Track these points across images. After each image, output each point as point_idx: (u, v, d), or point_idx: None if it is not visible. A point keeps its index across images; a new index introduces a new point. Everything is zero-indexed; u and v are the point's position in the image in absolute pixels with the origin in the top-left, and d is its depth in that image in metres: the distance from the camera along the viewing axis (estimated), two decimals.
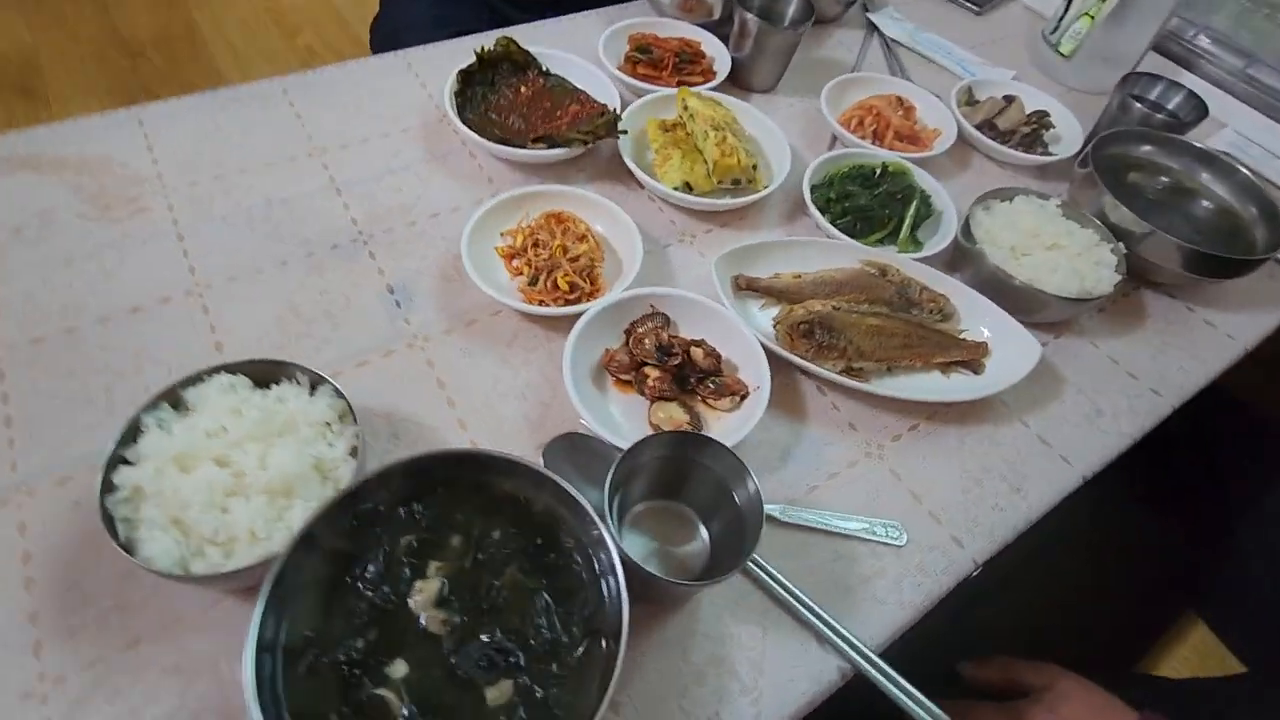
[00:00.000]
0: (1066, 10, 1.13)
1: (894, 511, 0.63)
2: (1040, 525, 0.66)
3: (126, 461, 0.50)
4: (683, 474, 0.56)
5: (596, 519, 0.47)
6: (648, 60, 0.99)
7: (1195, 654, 0.97)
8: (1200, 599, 0.98)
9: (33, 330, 0.64)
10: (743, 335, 0.68)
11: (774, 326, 0.71)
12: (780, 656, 0.54)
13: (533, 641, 0.46)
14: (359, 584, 0.46)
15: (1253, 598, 0.93)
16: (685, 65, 1.00)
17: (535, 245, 0.74)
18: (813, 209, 0.83)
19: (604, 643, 0.45)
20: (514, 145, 0.83)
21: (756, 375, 0.66)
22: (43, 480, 0.55)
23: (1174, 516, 1.03)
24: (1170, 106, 0.98)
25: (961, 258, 0.82)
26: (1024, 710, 0.67)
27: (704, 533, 0.58)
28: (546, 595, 0.47)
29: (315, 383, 0.56)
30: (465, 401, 0.65)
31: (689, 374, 0.66)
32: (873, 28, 1.22)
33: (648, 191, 0.86)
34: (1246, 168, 0.91)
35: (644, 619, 0.54)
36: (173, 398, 0.53)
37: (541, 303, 0.70)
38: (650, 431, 0.63)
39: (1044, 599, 0.92)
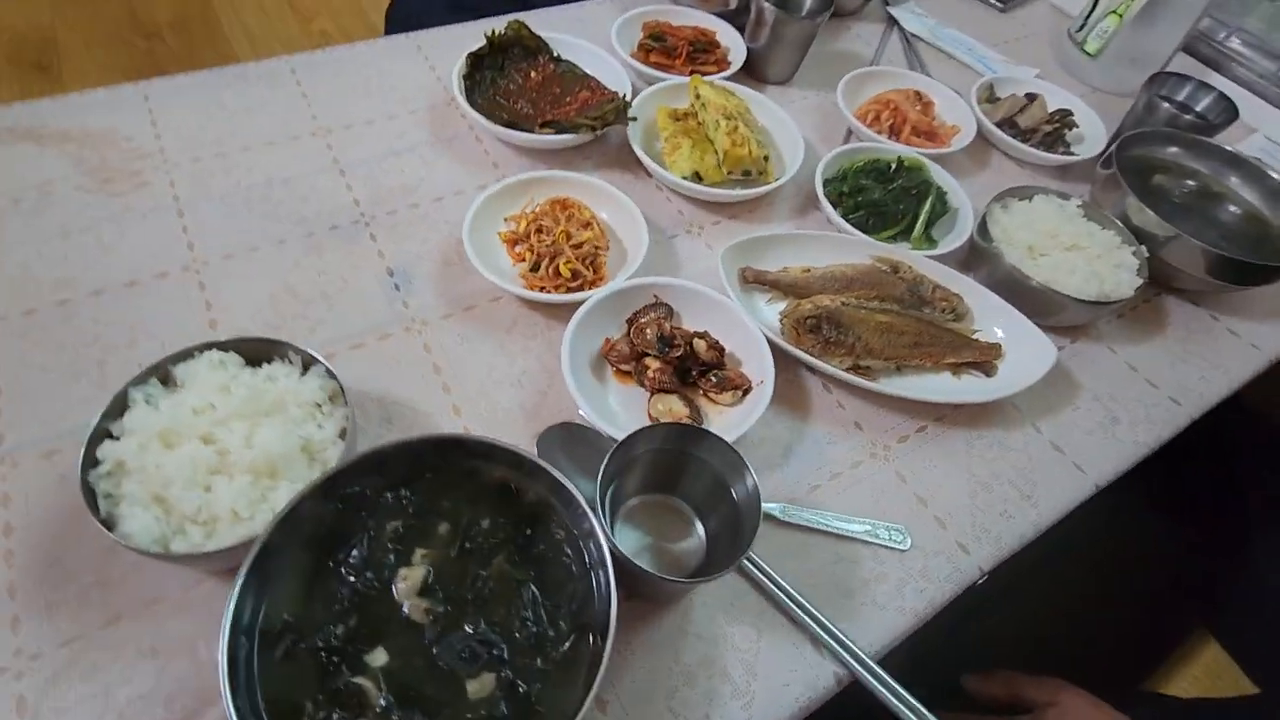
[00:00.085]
0: (1094, 8, 1.10)
1: (898, 515, 0.61)
2: (1049, 534, 0.63)
3: (112, 436, 0.49)
4: (679, 468, 0.54)
5: (588, 511, 0.46)
6: (661, 48, 0.97)
7: (1206, 673, 0.94)
8: (1213, 615, 0.96)
9: (26, 302, 0.63)
10: (747, 329, 0.66)
11: (780, 321, 0.69)
12: (775, 660, 0.52)
13: (518, 634, 0.44)
14: (342, 569, 0.45)
15: (1269, 615, 0.90)
16: (699, 54, 0.98)
17: (539, 231, 0.72)
18: (825, 202, 0.81)
19: (591, 638, 0.44)
20: (521, 130, 0.82)
21: (760, 370, 0.64)
22: (29, 452, 0.55)
23: (1189, 528, 1.00)
24: (1199, 108, 0.95)
25: (977, 257, 0.79)
26: None
27: (700, 529, 0.56)
28: (534, 587, 0.46)
29: (307, 363, 0.55)
30: (461, 387, 0.64)
31: (691, 366, 0.64)
32: (893, 22, 1.19)
33: (656, 181, 0.84)
34: (1277, 173, 0.88)
35: (635, 616, 0.53)
36: (162, 373, 0.52)
37: (542, 289, 0.69)
38: (649, 424, 0.61)
39: (1050, 610, 0.90)
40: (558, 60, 0.92)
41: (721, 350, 0.65)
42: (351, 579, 0.45)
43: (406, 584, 0.45)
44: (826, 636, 0.52)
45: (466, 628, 0.44)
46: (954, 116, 0.98)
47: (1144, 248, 0.78)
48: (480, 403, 0.63)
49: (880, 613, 0.55)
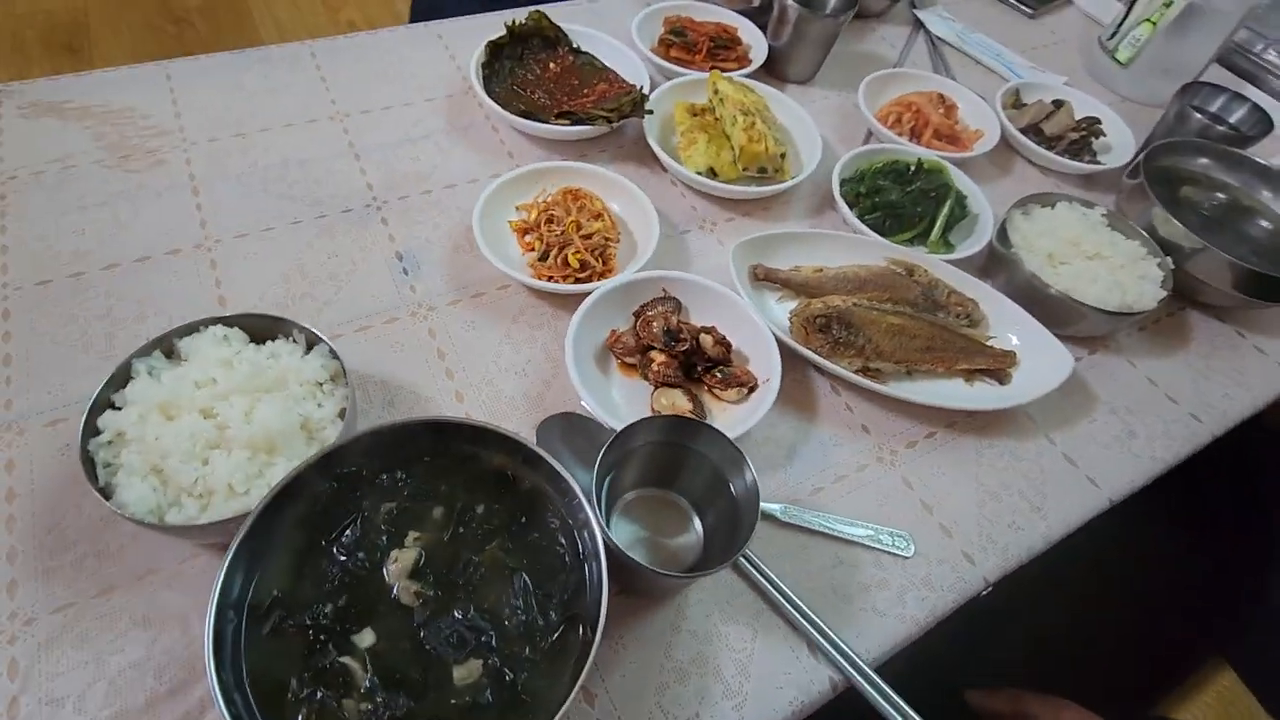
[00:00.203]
0: (1127, 15, 1.08)
1: (903, 521, 0.60)
2: (1059, 548, 0.62)
3: (114, 406, 0.49)
4: (678, 462, 0.53)
5: (584, 501, 0.45)
6: (682, 43, 0.96)
7: (1219, 700, 0.91)
8: (1229, 642, 0.92)
9: (42, 273, 0.64)
10: (756, 325, 0.65)
11: (789, 319, 0.68)
12: (769, 661, 0.51)
13: (507, 622, 0.44)
14: (334, 548, 0.45)
15: None
16: (720, 51, 0.97)
17: (549, 221, 0.72)
18: (841, 202, 0.79)
19: (581, 629, 0.43)
20: (537, 120, 0.81)
21: (767, 368, 0.63)
22: (35, 420, 0.55)
23: (1206, 548, 0.97)
24: (1232, 120, 0.93)
25: (995, 263, 0.78)
26: None
27: (697, 525, 0.55)
28: (526, 576, 0.45)
29: (311, 342, 0.55)
30: (464, 374, 0.63)
31: (696, 361, 0.63)
32: (919, 25, 1.17)
33: (670, 175, 0.83)
34: None
35: (628, 611, 0.52)
36: (166, 346, 0.52)
37: (550, 279, 0.68)
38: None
39: (1059, 627, 0.87)
40: (577, 52, 0.92)
41: (728, 346, 0.64)
42: (343, 558, 0.44)
43: (398, 566, 0.44)
44: (823, 640, 0.51)
45: (456, 613, 0.43)
46: (977, 121, 0.96)
47: (1169, 259, 0.76)
48: (483, 390, 0.62)
49: (880, 619, 0.54)
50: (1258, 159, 0.88)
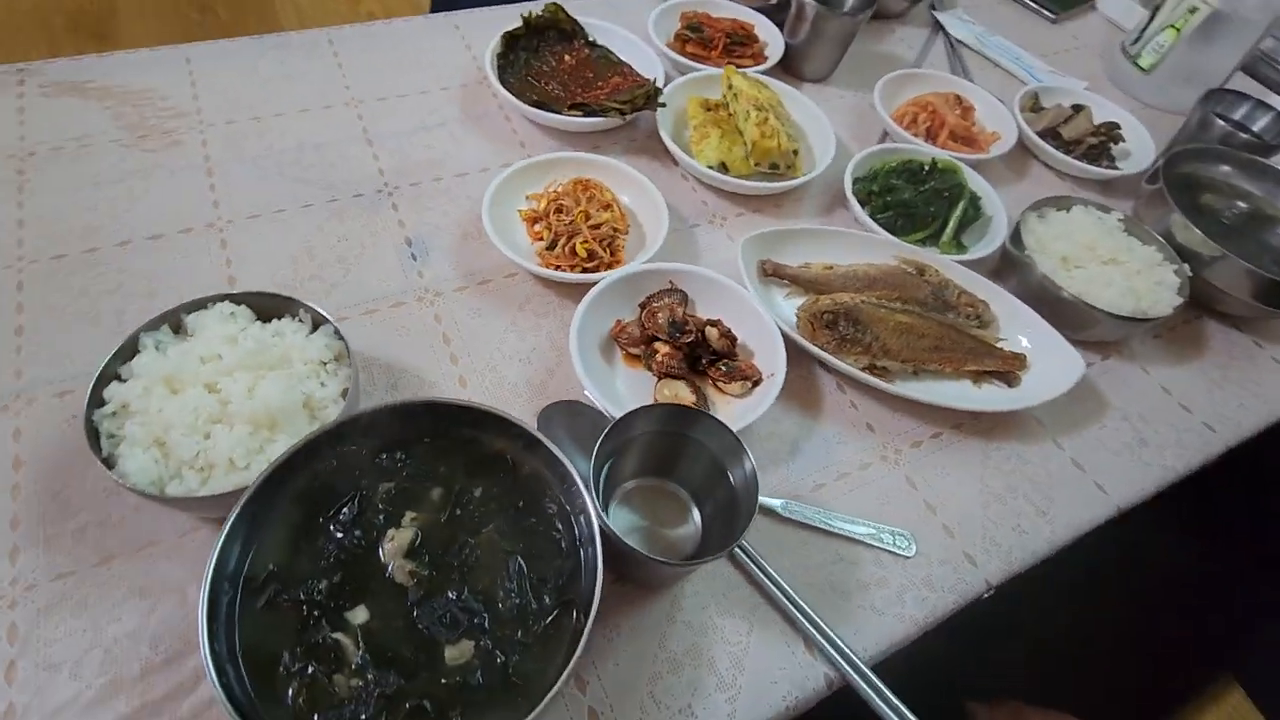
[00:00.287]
0: (1150, 20, 1.06)
1: (905, 520, 0.59)
2: (1065, 556, 0.61)
3: (120, 379, 0.49)
4: (678, 451, 0.53)
5: (582, 486, 0.45)
6: (698, 39, 0.96)
7: (1227, 718, 0.89)
8: (1238, 659, 0.91)
9: (57, 247, 0.64)
10: (762, 320, 0.64)
11: (796, 315, 0.68)
12: (764, 656, 0.51)
13: (500, 605, 0.43)
14: (331, 525, 0.45)
15: None
16: (736, 47, 0.97)
17: (558, 210, 0.72)
18: (852, 200, 0.79)
19: (575, 615, 0.43)
20: (550, 110, 0.81)
21: (772, 363, 0.63)
22: (44, 391, 0.56)
23: (1219, 557, 0.95)
24: (1256, 128, 0.91)
25: (1008, 265, 0.77)
26: None
27: (696, 515, 0.55)
28: (521, 559, 0.45)
29: (317, 322, 0.55)
30: (468, 360, 0.63)
31: (701, 354, 0.63)
32: (938, 27, 1.16)
33: (681, 170, 0.83)
34: None
35: (624, 600, 0.52)
36: (174, 321, 0.53)
37: (557, 268, 0.68)
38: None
39: (1064, 638, 0.86)
40: (592, 45, 0.92)
41: (733, 339, 0.64)
42: (339, 535, 0.44)
43: (394, 545, 0.44)
44: (820, 637, 0.51)
45: (450, 594, 0.43)
46: (994, 123, 0.95)
47: (1186, 266, 0.74)
48: (487, 376, 0.63)
49: (878, 618, 0.54)
50: None
